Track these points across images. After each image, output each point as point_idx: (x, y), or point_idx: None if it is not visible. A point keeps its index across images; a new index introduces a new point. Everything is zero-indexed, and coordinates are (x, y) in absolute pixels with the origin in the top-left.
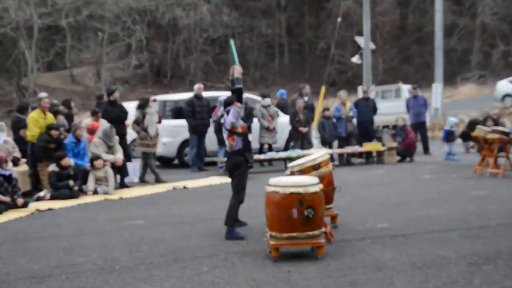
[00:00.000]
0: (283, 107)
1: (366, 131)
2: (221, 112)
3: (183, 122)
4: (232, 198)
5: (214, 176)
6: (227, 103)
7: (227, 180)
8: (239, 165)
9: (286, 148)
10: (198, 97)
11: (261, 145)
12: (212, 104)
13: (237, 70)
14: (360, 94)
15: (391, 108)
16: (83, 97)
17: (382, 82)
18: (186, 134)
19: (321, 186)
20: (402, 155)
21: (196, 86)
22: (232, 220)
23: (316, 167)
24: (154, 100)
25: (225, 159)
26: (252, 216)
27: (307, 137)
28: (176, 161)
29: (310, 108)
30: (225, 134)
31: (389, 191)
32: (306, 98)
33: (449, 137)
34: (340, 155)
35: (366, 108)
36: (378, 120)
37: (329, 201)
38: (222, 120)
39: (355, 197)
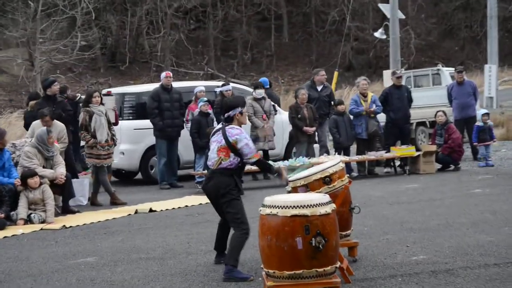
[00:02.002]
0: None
1: (400, 131)
2: (217, 126)
3: (147, 123)
4: (235, 232)
5: (190, 195)
6: (229, 107)
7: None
8: (226, 189)
9: (286, 155)
10: (166, 88)
11: None
12: (186, 98)
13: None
14: (387, 81)
15: (428, 99)
16: (10, 91)
17: (415, 65)
18: (151, 139)
19: (334, 206)
20: (443, 162)
21: (163, 74)
22: (235, 259)
23: (326, 180)
24: (108, 94)
25: (205, 171)
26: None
27: (322, 139)
28: (139, 176)
29: (326, 102)
30: (215, 145)
31: (426, 211)
32: (320, 88)
33: (480, 135)
34: (360, 164)
35: (400, 99)
36: (411, 115)
37: (346, 226)
38: (216, 126)
39: (380, 220)
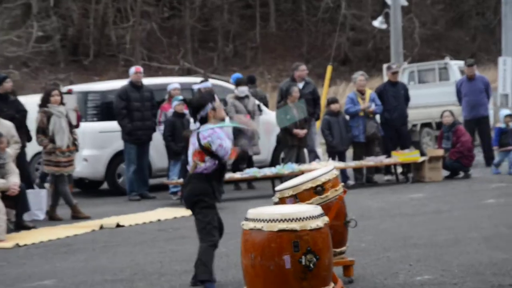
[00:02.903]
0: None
1: (398, 134)
2: (195, 127)
3: (114, 126)
4: (202, 244)
5: (164, 208)
6: (197, 108)
7: (185, 212)
8: (202, 195)
9: (274, 161)
10: (136, 86)
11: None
12: (159, 97)
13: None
14: (386, 76)
15: (434, 96)
16: None
17: (420, 57)
18: (119, 144)
19: (326, 219)
20: (452, 168)
21: (133, 70)
22: (209, 272)
23: (318, 190)
24: (69, 92)
25: (181, 180)
26: (222, 267)
27: (309, 143)
28: (104, 186)
29: (310, 101)
30: (191, 148)
31: (432, 224)
32: (301, 85)
33: (502, 138)
34: (357, 171)
35: (396, 97)
36: (415, 115)
37: (340, 242)
38: (193, 127)
39: (380, 235)
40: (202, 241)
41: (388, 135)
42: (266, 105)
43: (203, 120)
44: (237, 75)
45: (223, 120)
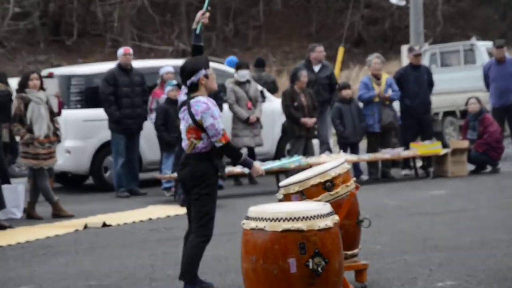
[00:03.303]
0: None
1: (419, 123)
2: (182, 95)
3: (100, 113)
4: (193, 236)
5: (156, 205)
6: (190, 71)
7: (179, 210)
8: (204, 177)
9: (278, 153)
10: (125, 69)
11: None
12: (151, 82)
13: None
14: (406, 58)
15: (459, 81)
16: None
17: (442, 38)
18: (106, 134)
19: (336, 218)
20: (478, 161)
21: (121, 51)
22: (193, 273)
23: (327, 185)
24: (50, 76)
25: (174, 175)
26: (220, 272)
27: (321, 133)
28: (89, 181)
29: (326, 86)
30: (184, 125)
31: (455, 224)
32: (317, 68)
33: None
34: (371, 165)
35: (418, 83)
36: (437, 103)
37: (352, 244)
38: (182, 98)
39: (397, 236)
40: (195, 233)
41: (408, 124)
42: (275, 90)
43: (194, 87)
44: (232, 58)
45: (215, 91)
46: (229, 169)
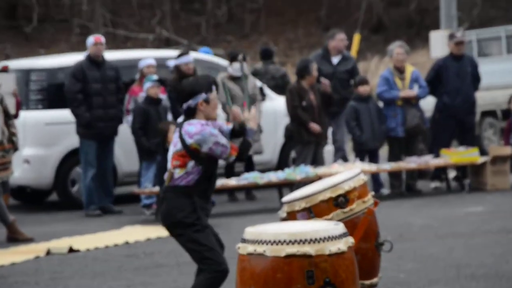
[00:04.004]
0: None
1: (460, 126)
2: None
3: (66, 115)
4: (201, 274)
5: (133, 226)
6: (188, 94)
7: (162, 231)
8: (178, 217)
9: (281, 163)
10: (96, 61)
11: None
12: (127, 77)
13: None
14: (436, 48)
15: (500, 74)
16: None
17: (481, 22)
18: (73, 140)
19: (351, 240)
20: None
21: (91, 40)
22: None
23: (340, 201)
24: (4, 70)
25: (156, 189)
26: None
27: (337, 137)
28: (53, 196)
29: (345, 82)
30: (171, 150)
31: (497, 248)
32: (336, 60)
33: None
34: (394, 176)
35: (460, 77)
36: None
37: (371, 272)
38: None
39: (425, 262)
40: (204, 271)
41: (447, 127)
42: (285, 86)
43: (190, 113)
44: (205, 49)
45: (214, 120)
46: (222, 181)
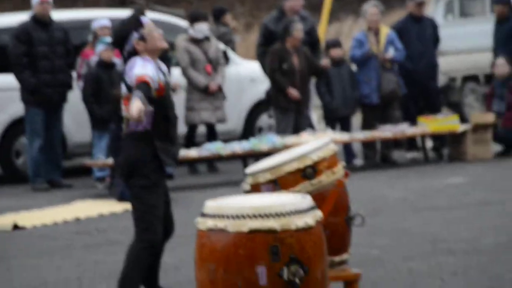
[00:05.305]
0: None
1: (426, 90)
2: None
3: (9, 81)
4: (134, 242)
5: (84, 201)
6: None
7: (116, 206)
8: (138, 164)
9: (247, 132)
10: (42, 22)
11: (192, 127)
12: (78, 39)
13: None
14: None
15: (483, 36)
16: None
17: None
18: (17, 108)
19: (320, 214)
20: (506, 141)
21: None
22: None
23: (308, 172)
24: None
25: (110, 160)
26: (170, 285)
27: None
28: None
29: (305, 44)
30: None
31: (476, 221)
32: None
33: None
34: (368, 146)
35: (421, 40)
36: (453, 65)
37: (340, 248)
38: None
39: (400, 237)
40: (135, 238)
41: (411, 93)
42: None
43: (132, 56)
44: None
45: (163, 50)
46: (182, 153)
